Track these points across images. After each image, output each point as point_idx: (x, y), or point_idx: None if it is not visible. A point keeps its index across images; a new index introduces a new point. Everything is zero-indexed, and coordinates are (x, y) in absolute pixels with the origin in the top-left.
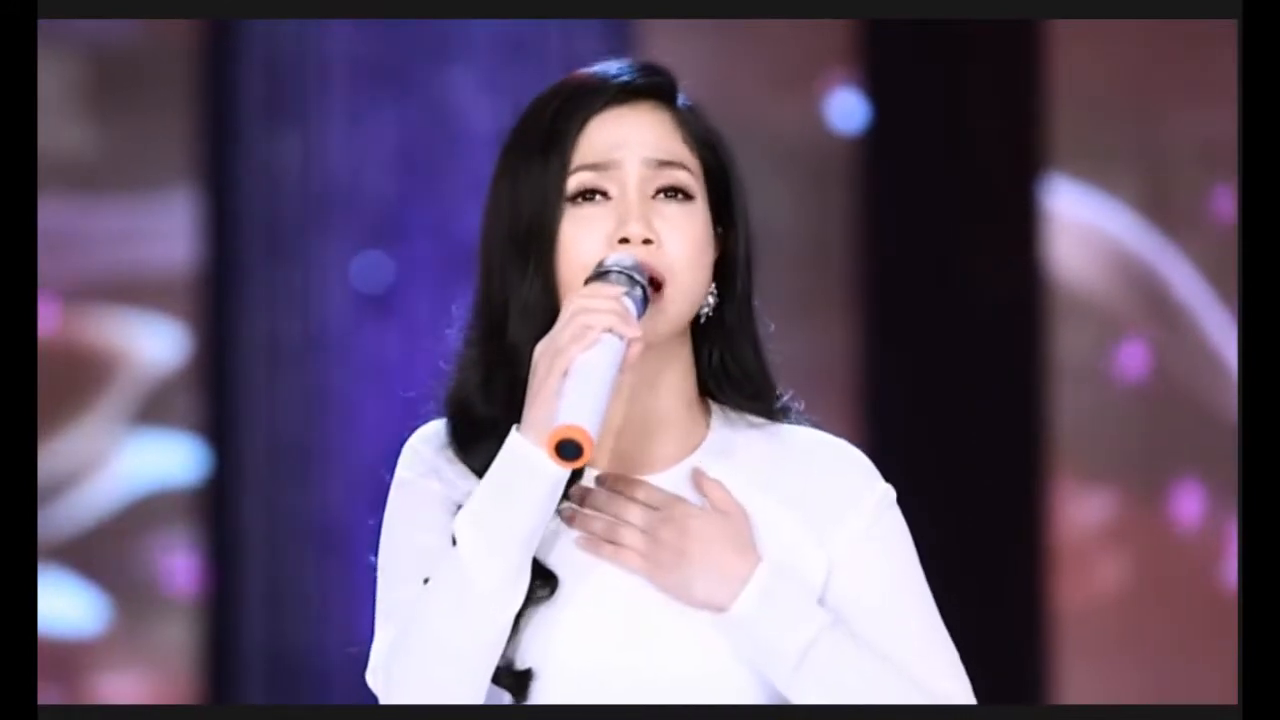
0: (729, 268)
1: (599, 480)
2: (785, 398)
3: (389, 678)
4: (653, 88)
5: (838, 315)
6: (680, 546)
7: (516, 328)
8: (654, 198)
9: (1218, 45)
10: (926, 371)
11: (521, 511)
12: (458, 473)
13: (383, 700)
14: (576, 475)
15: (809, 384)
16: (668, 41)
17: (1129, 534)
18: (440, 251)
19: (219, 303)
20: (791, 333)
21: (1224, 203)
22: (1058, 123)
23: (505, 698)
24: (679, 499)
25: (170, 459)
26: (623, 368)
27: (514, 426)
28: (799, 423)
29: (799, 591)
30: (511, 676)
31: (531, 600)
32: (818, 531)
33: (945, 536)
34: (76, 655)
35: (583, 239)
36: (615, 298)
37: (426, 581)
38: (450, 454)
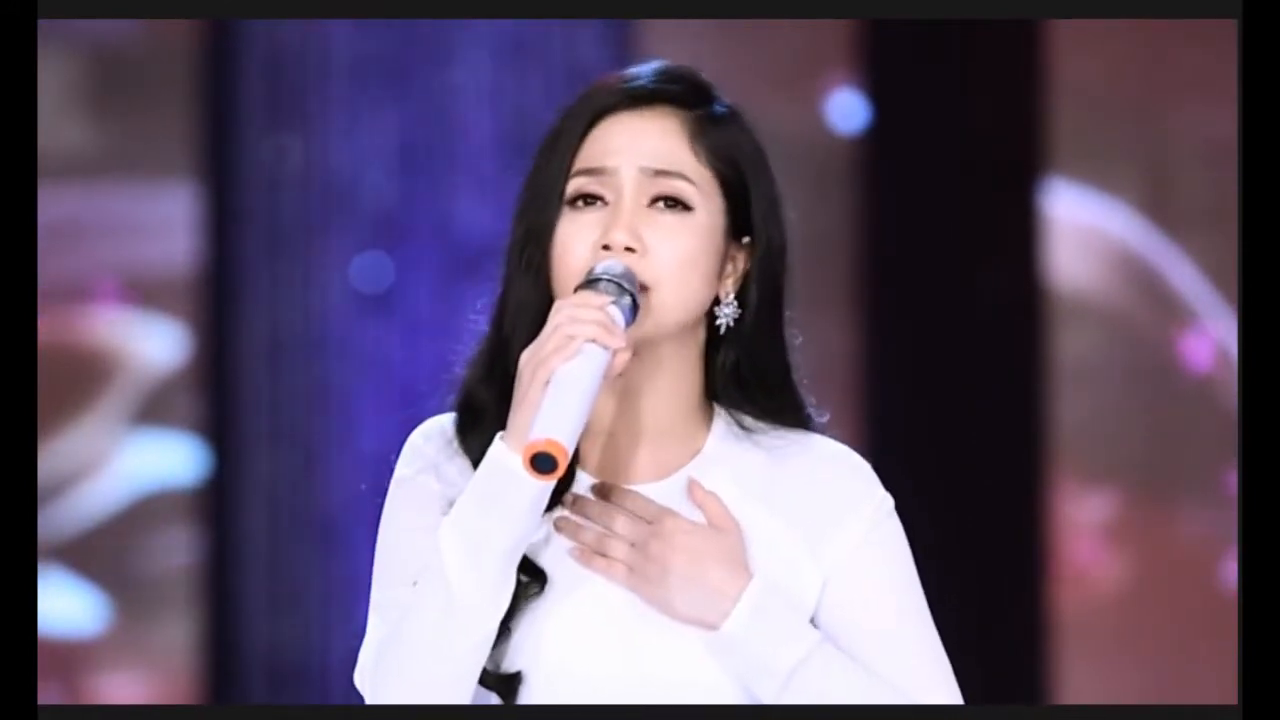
0: (748, 279)
1: (594, 489)
2: (809, 410)
3: (374, 681)
4: (665, 94)
5: (838, 315)
6: (668, 562)
7: (511, 324)
8: (650, 206)
9: (1219, 44)
10: (927, 372)
11: (502, 521)
12: (458, 469)
13: (369, 702)
14: (569, 483)
15: (809, 384)
16: (668, 42)
17: (1129, 535)
18: (440, 251)
19: (220, 302)
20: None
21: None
22: (1058, 123)
23: (495, 700)
24: (669, 512)
25: (170, 459)
26: (609, 376)
27: (498, 435)
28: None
29: (789, 609)
30: (499, 680)
31: (522, 598)
32: (813, 542)
33: (946, 537)
34: (77, 655)
35: (574, 243)
36: (600, 307)
37: (417, 584)
38: (451, 450)
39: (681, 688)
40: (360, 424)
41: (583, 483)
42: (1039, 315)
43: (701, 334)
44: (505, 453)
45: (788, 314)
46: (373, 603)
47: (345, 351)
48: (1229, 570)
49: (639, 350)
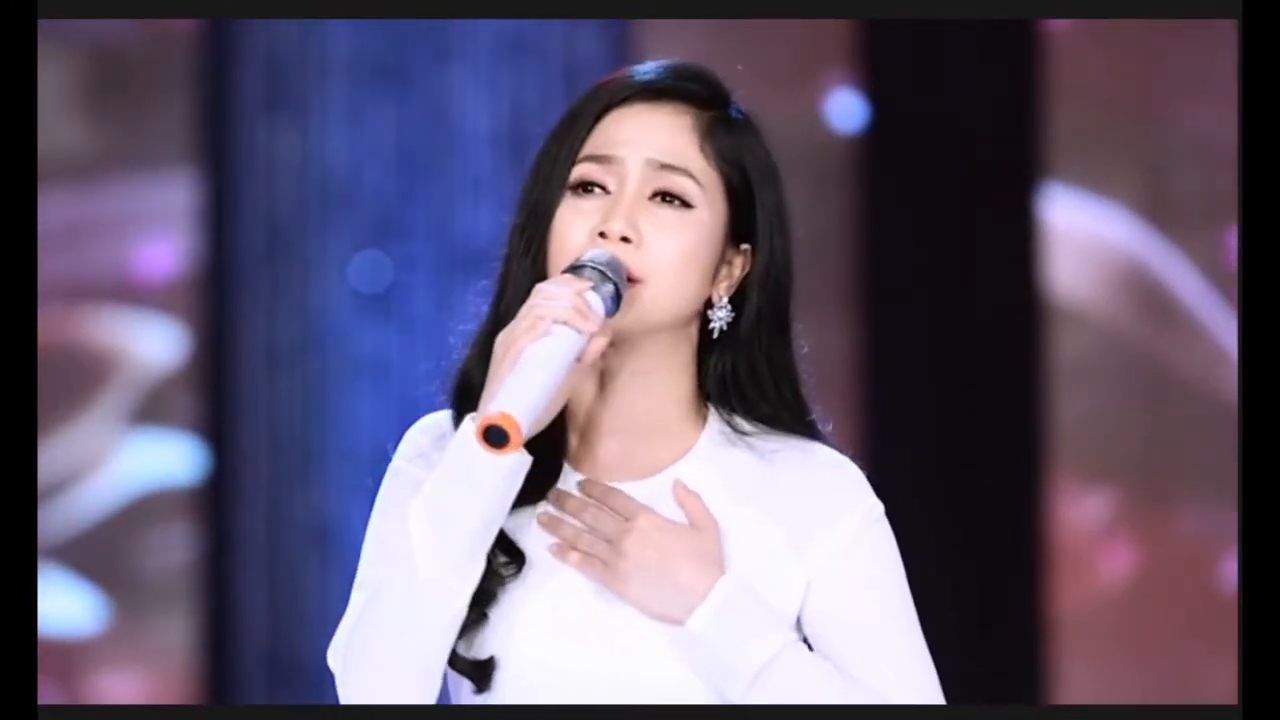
0: (746, 286)
1: (579, 485)
2: (811, 418)
3: (345, 657)
4: (681, 91)
5: (835, 316)
6: (640, 558)
7: (506, 306)
8: (651, 199)
9: (1218, 46)
10: (926, 372)
11: (468, 497)
12: None
13: (339, 681)
14: (555, 477)
15: (807, 384)
16: (667, 41)
17: (1129, 535)
18: (439, 251)
19: (218, 302)
20: None
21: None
22: (1057, 124)
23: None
24: (646, 510)
25: (169, 458)
26: (585, 361)
27: (469, 415)
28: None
29: (760, 608)
30: (472, 665)
31: (498, 582)
32: (799, 545)
33: (945, 537)
34: (76, 654)
35: (571, 229)
36: (577, 292)
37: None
38: (445, 443)
39: (653, 682)
40: (358, 423)
41: (570, 478)
42: (1037, 315)
43: (695, 335)
44: (472, 430)
45: (795, 324)
46: (355, 583)
47: (343, 351)
48: (1228, 569)
49: (629, 344)
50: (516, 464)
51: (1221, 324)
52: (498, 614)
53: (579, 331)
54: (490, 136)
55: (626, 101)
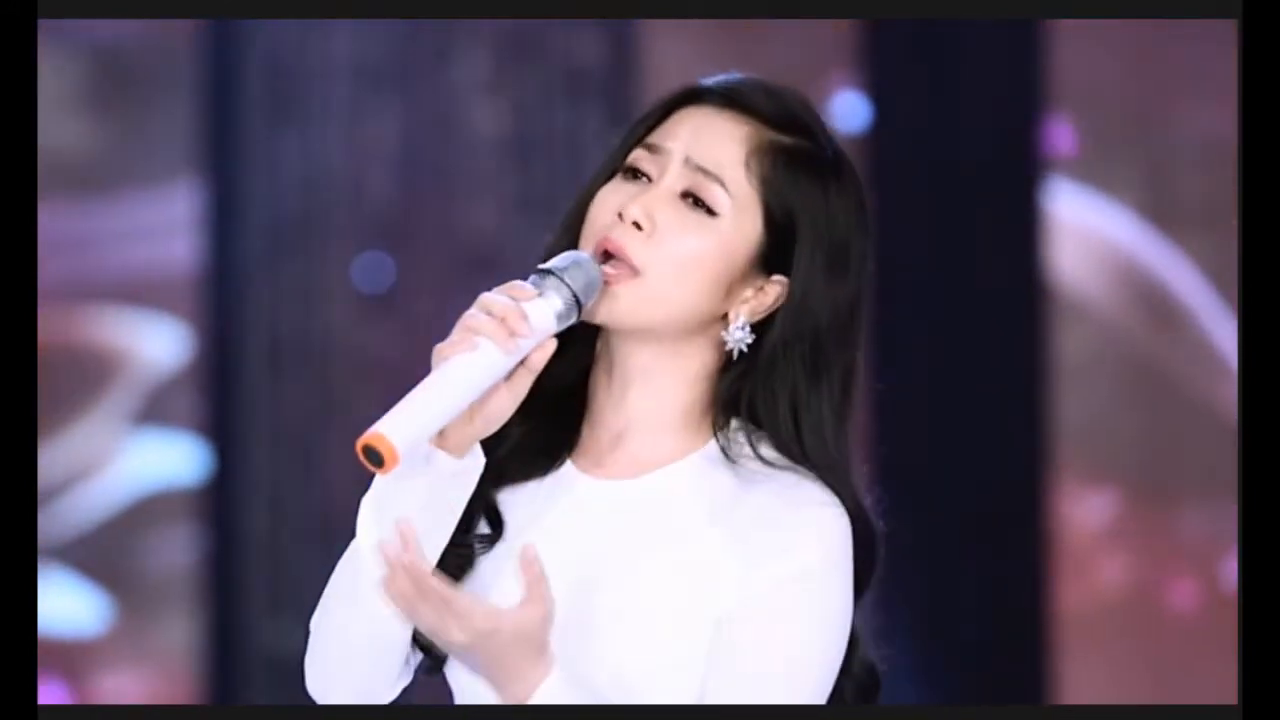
0: (776, 315)
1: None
2: (830, 462)
3: (309, 644)
4: (749, 103)
5: None
6: (475, 650)
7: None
8: (681, 197)
9: (1219, 45)
10: (928, 372)
11: (409, 494)
12: None
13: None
14: (553, 464)
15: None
16: (669, 43)
17: (1131, 535)
18: (442, 252)
19: (221, 302)
20: None
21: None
22: (1059, 124)
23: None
24: (476, 604)
25: (173, 459)
26: (528, 366)
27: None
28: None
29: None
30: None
31: (474, 550)
32: (749, 569)
33: (948, 537)
34: (80, 654)
35: (600, 207)
36: (516, 305)
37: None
38: None
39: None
40: (361, 424)
41: (569, 471)
42: (1040, 315)
43: (710, 348)
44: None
45: (834, 374)
46: None
47: (347, 352)
48: (1229, 570)
49: (631, 337)
50: (461, 468)
51: (1224, 325)
52: (470, 585)
53: (504, 352)
54: (493, 137)
55: (699, 101)
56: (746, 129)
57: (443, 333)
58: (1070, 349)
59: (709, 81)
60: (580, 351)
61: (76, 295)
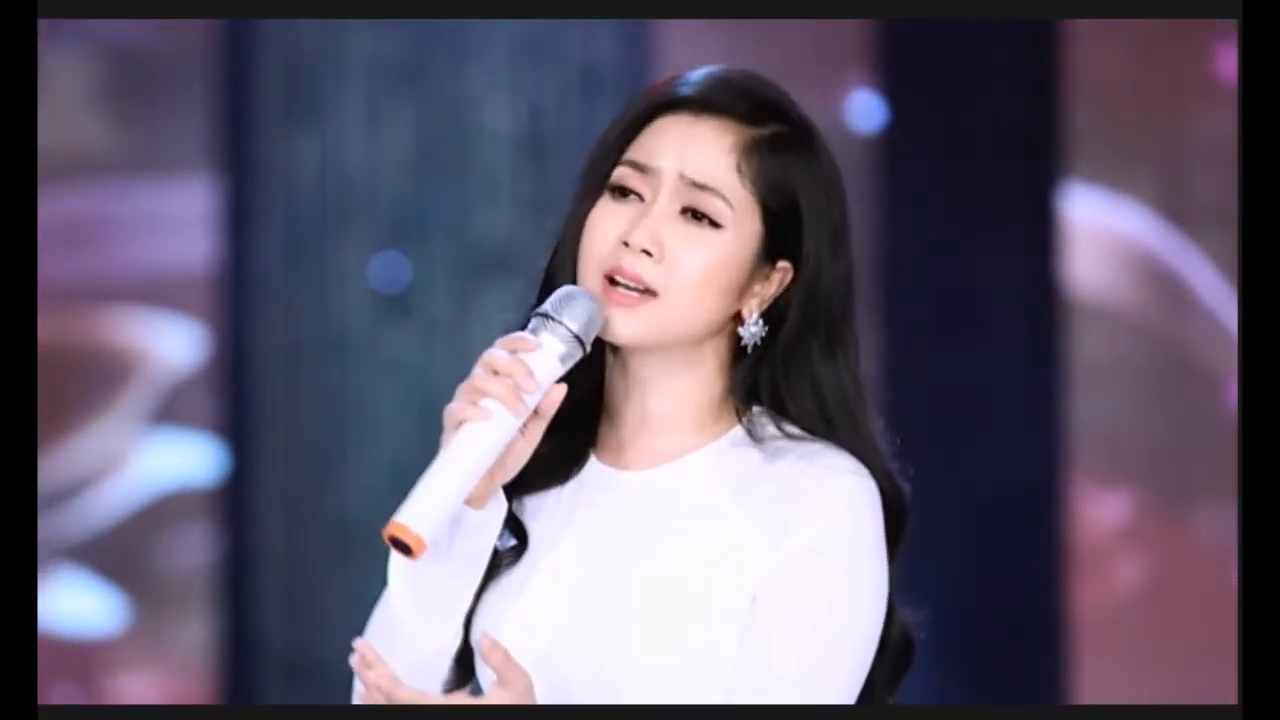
0: (783, 303)
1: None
2: (856, 431)
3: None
4: (725, 107)
5: None
6: None
7: (539, 296)
8: (681, 214)
9: (1234, 44)
10: (944, 372)
11: (433, 555)
12: None
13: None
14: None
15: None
16: (686, 42)
17: (1147, 536)
18: (458, 251)
19: (237, 303)
20: None
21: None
22: (1076, 123)
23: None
24: (452, 699)
25: (188, 459)
26: (541, 414)
27: None
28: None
29: None
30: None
31: (499, 561)
32: (775, 540)
33: (964, 537)
34: (94, 655)
35: (600, 232)
36: (517, 364)
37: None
38: None
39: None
40: (377, 424)
41: (592, 464)
42: (1057, 315)
43: (724, 347)
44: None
45: (847, 347)
46: None
47: (363, 352)
48: None
49: (651, 352)
50: (484, 519)
51: (1239, 324)
52: (496, 592)
53: (515, 414)
54: (509, 137)
55: (673, 110)
56: (730, 135)
57: (459, 333)
58: (1088, 348)
59: (680, 89)
60: (591, 367)
61: (93, 295)
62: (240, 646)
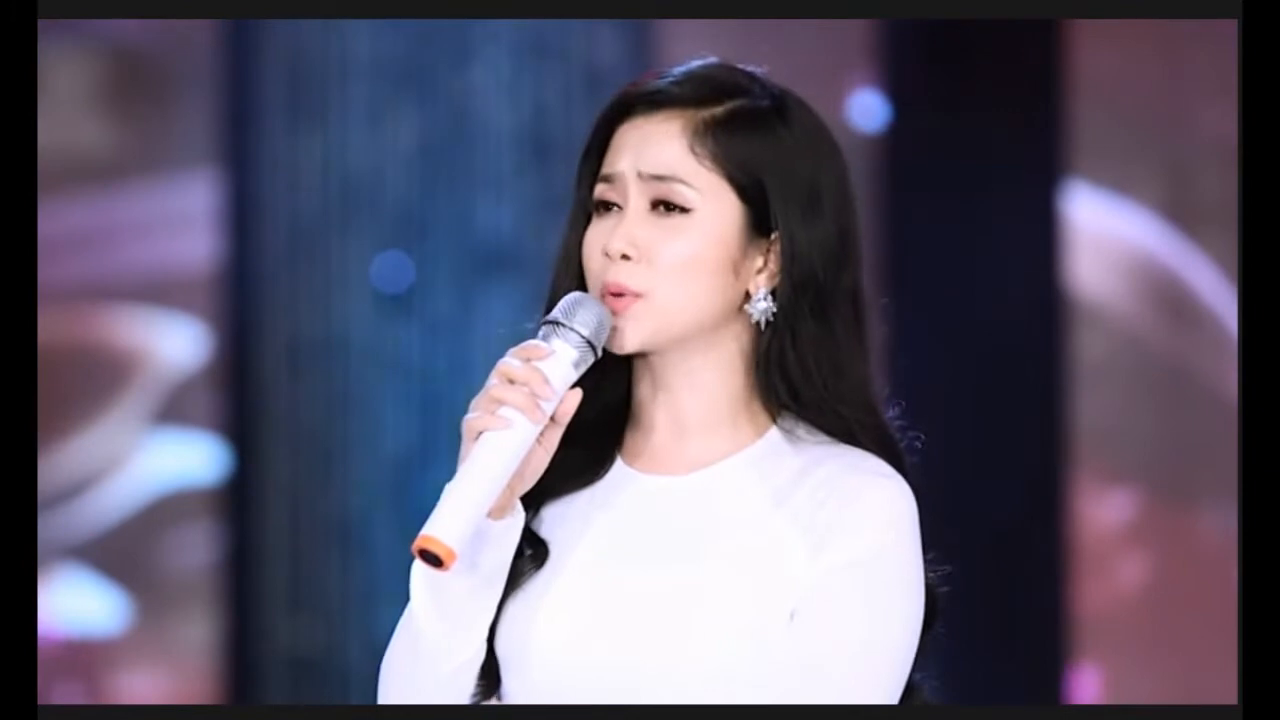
0: (781, 274)
1: None
2: (867, 417)
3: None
4: (671, 96)
5: None
6: None
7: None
8: (652, 210)
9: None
10: (947, 372)
11: (455, 566)
12: None
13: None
14: (602, 468)
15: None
16: (688, 42)
17: (1151, 536)
18: (461, 251)
19: (240, 302)
20: None
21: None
22: (1078, 124)
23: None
24: None
25: (192, 458)
26: (558, 420)
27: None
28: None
29: None
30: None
31: (522, 569)
32: (816, 548)
33: (966, 538)
34: (98, 654)
35: (592, 250)
36: (533, 372)
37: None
38: None
39: (676, 674)
40: (380, 423)
41: (620, 470)
42: (1059, 316)
43: (742, 332)
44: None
45: (842, 311)
46: None
47: (365, 351)
48: None
49: (668, 352)
50: (504, 529)
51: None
52: (522, 600)
53: (533, 422)
54: (512, 137)
55: (629, 116)
56: (679, 120)
57: (462, 332)
58: (1090, 349)
59: (626, 95)
60: (618, 377)
61: (96, 294)
62: (243, 645)
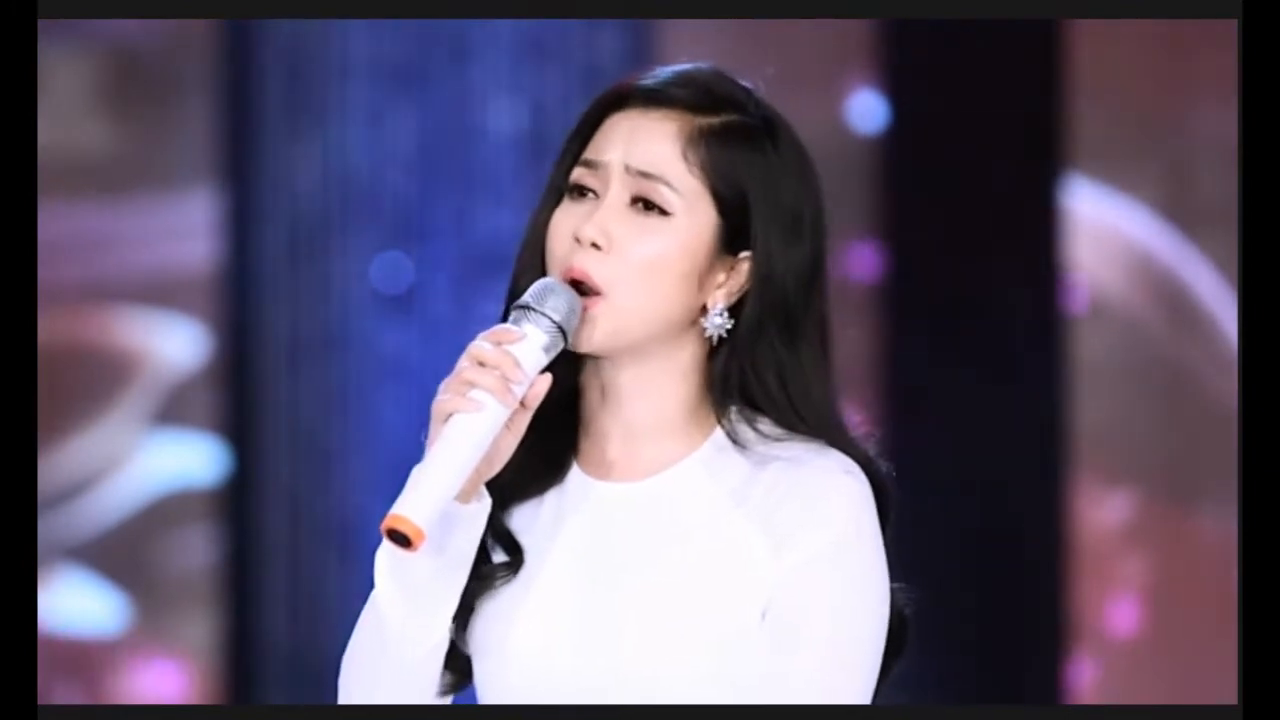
0: (748, 294)
1: None
2: (833, 422)
3: (340, 681)
4: (669, 96)
5: (854, 315)
6: None
7: (508, 299)
8: (631, 206)
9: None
10: (947, 372)
11: (422, 550)
12: None
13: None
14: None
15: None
16: (687, 42)
17: (1150, 536)
18: (460, 251)
19: (240, 302)
20: None
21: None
22: (1077, 122)
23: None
24: None
25: (191, 458)
26: (526, 406)
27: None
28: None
29: None
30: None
31: (494, 575)
32: (778, 547)
33: (967, 537)
34: (98, 654)
35: (556, 233)
36: (504, 355)
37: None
38: None
39: (651, 679)
40: (380, 423)
41: (577, 477)
42: (1059, 316)
43: (694, 343)
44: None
45: (809, 335)
46: None
47: (365, 351)
48: None
49: (621, 357)
50: (471, 513)
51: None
52: (494, 608)
53: (504, 405)
54: (511, 137)
55: (623, 107)
56: (675, 122)
57: (461, 333)
58: (1090, 350)
59: (624, 88)
60: (566, 370)
61: (95, 295)
62: (243, 646)
